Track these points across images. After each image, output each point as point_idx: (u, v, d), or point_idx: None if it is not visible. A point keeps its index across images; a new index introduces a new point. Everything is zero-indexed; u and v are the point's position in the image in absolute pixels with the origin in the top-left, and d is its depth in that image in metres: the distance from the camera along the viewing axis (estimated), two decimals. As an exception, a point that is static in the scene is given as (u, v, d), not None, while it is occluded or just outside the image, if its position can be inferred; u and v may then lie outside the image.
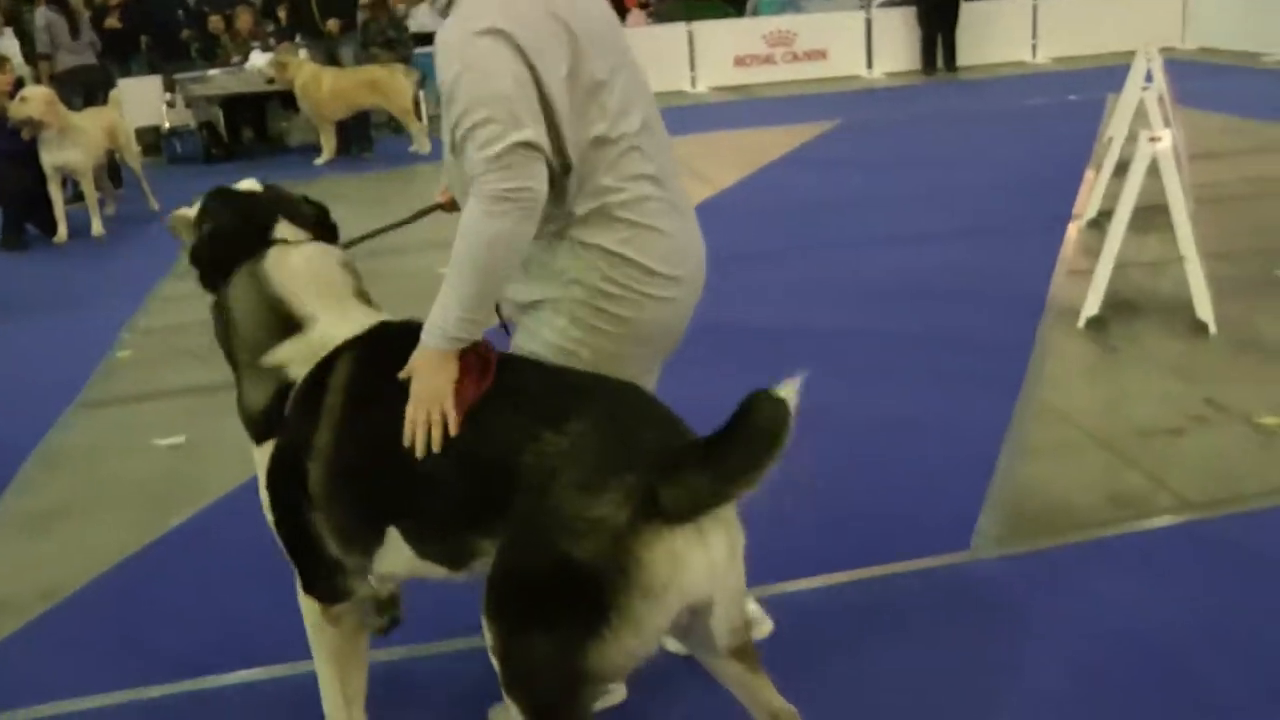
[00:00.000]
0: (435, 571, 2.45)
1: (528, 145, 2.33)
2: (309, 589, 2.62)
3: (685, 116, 12.13)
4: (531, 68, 2.36)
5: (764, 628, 3.06)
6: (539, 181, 2.36)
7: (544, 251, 2.56)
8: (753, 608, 3.01)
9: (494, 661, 2.27)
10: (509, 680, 2.25)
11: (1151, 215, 5.95)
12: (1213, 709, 2.78)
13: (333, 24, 12.98)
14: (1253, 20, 14.61)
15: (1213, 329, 5.18)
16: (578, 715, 2.24)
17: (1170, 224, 5.39)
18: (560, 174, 2.45)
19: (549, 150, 2.38)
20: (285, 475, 2.50)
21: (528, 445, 2.20)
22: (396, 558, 2.44)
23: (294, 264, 2.59)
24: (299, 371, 2.52)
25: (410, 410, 2.34)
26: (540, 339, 2.61)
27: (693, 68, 15.57)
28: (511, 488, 2.20)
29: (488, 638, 2.26)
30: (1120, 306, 5.54)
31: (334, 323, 2.55)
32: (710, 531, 2.17)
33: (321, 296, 2.58)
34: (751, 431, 2.11)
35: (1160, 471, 4.01)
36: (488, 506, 2.25)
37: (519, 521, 2.20)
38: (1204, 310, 5.25)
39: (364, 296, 2.70)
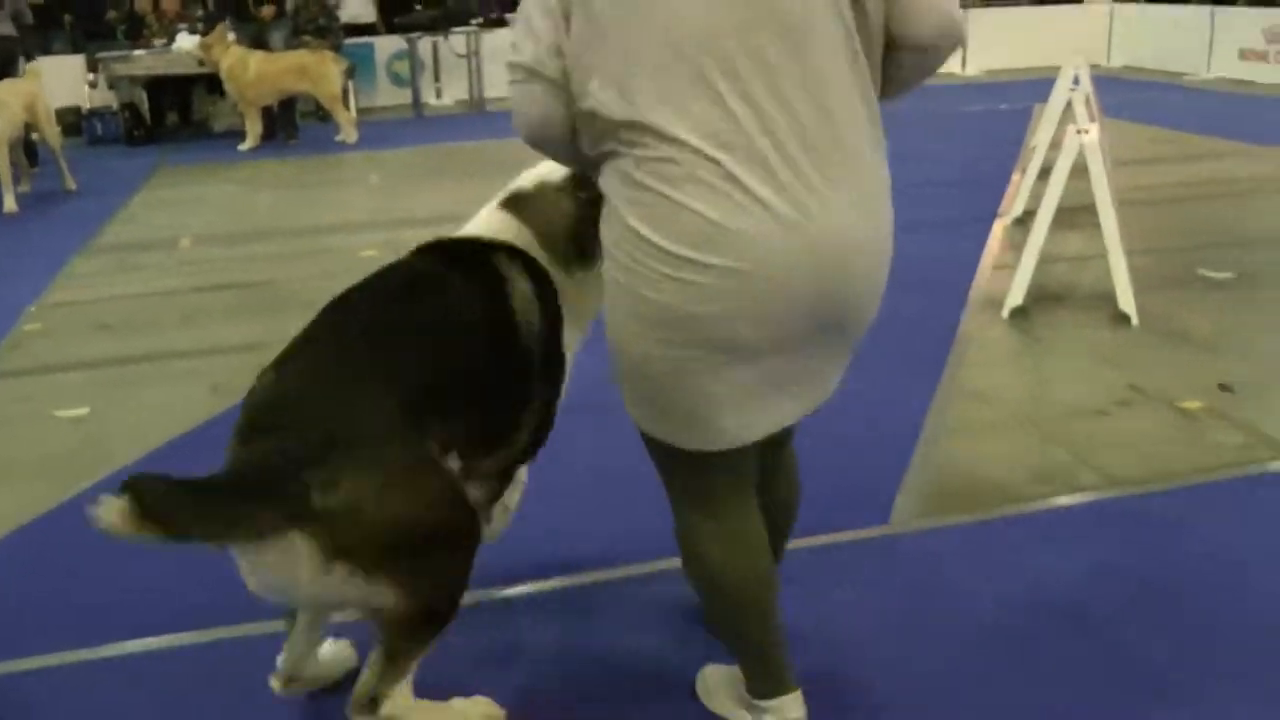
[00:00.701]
0: None
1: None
2: None
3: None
4: None
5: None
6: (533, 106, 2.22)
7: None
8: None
9: None
10: None
11: (1075, 214, 6.00)
12: (1139, 678, 2.75)
13: (267, 10, 12.77)
14: (1175, 42, 14.95)
15: (1135, 320, 5.21)
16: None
17: (1093, 223, 5.43)
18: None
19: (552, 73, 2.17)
20: None
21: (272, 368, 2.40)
22: None
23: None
24: None
25: None
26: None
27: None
28: None
29: None
30: (1044, 299, 5.55)
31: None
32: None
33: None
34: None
35: (1084, 450, 3.99)
36: None
37: None
38: (1126, 302, 5.27)
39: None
